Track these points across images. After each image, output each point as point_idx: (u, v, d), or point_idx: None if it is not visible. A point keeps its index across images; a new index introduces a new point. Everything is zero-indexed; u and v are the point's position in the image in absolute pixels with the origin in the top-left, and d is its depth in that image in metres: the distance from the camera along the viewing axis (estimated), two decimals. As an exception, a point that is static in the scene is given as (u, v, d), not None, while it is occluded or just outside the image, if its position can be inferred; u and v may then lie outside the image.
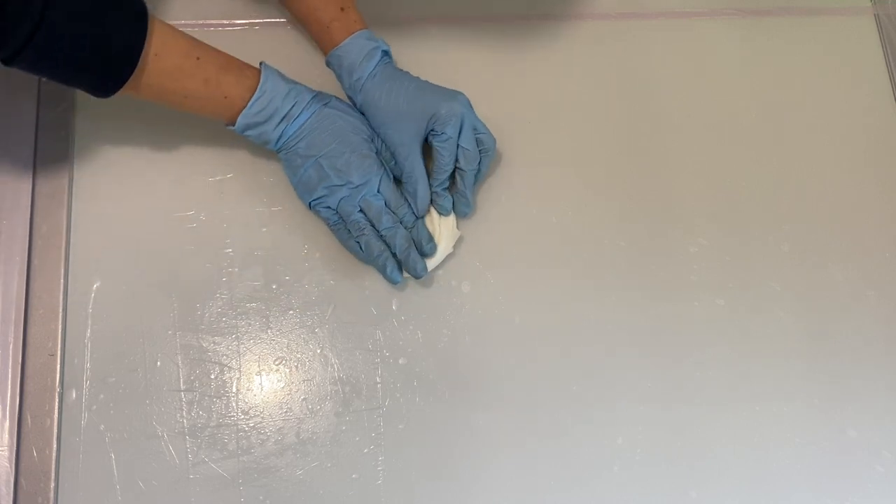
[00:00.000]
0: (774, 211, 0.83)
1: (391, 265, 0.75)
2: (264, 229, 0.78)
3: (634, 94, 0.86)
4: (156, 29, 0.68)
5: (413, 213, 0.77)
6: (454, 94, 0.77)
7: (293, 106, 0.74)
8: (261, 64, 0.74)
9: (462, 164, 0.76)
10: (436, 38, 0.86)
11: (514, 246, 0.80)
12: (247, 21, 0.86)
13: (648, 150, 0.85)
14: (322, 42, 0.79)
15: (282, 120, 0.73)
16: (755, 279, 0.81)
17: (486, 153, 0.77)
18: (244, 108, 0.72)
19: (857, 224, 0.84)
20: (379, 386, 0.75)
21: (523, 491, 0.73)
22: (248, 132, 0.74)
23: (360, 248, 0.75)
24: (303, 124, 0.74)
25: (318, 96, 0.75)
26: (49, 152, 0.79)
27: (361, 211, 0.75)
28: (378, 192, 0.75)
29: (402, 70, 0.79)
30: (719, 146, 0.85)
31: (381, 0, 0.78)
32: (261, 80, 0.72)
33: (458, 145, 0.76)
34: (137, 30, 0.66)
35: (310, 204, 0.76)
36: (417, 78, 0.78)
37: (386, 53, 0.78)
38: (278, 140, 0.74)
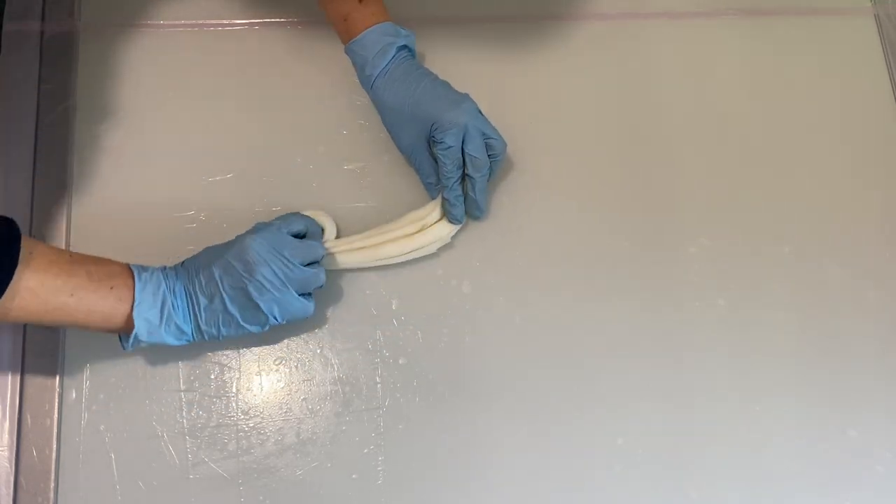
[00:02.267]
0: (774, 211, 0.83)
1: None
2: (264, 229, 0.78)
3: (635, 94, 0.86)
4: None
5: None
6: (458, 102, 0.74)
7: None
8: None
9: (470, 171, 0.75)
10: (439, 39, 0.86)
11: (514, 246, 0.80)
12: (247, 21, 0.86)
13: (649, 150, 0.85)
14: (340, 33, 0.78)
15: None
16: (755, 279, 0.81)
17: (495, 158, 0.76)
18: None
19: (857, 224, 0.84)
20: (379, 386, 0.75)
21: (523, 490, 0.73)
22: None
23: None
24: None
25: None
26: (49, 152, 0.80)
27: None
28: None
29: (418, 66, 0.77)
30: (719, 146, 0.85)
31: (389, 1, 0.78)
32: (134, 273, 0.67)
33: (464, 152, 0.74)
34: None
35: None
36: (430, 76, 0.76)
37: (404, 48, 0.76)
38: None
